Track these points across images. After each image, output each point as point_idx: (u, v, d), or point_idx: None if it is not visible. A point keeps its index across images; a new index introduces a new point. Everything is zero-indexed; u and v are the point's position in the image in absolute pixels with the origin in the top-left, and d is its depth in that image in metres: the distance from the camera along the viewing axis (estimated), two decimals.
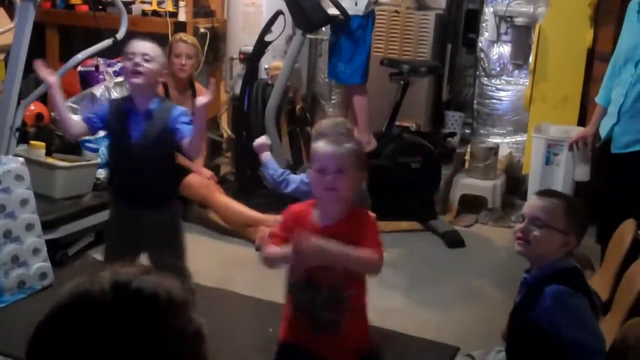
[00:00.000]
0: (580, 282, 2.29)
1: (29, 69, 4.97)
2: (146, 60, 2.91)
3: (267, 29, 4.87)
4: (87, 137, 4.59)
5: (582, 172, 4.22)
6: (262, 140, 3.08)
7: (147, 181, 3.00)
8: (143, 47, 2.95)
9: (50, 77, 2.95)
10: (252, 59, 4.98)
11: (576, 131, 5.12)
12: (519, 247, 2.33)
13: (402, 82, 4.88)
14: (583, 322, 2.21)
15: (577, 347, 2.18)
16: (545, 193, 2.40)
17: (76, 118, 3.45)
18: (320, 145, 2.32)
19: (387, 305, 3.85)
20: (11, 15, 4.76)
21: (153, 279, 1.00)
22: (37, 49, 5.12)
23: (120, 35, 4.12)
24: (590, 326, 2.22)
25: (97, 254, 4.25)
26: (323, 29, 5.42)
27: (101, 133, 4.63)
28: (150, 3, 5.73)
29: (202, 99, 2.87)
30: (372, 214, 2.37)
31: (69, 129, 3.06)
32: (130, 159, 2.98)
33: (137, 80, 2.91)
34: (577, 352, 2.18)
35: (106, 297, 0.96)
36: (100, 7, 5.61)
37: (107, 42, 4.09)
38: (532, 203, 2.37)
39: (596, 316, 2.30)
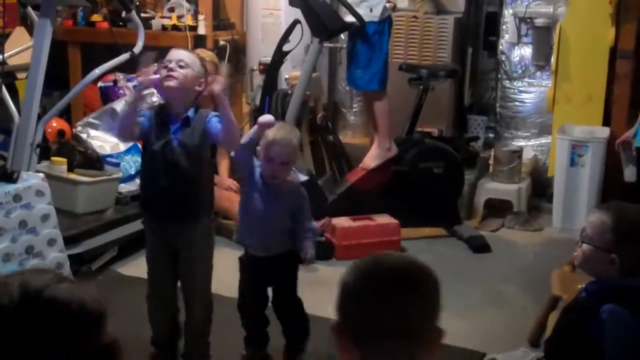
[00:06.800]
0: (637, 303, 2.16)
1: (53, 86, 5.04)
2: (181, 67, 2.88)
3: (284, 38, 4.86)
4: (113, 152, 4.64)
5: (629, 173, 4.14)
6: (268, 118, 3.02)
7: (184, 192, 2.94)
8: (178, 54, 2.94)
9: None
10: (270, 69, 4.97)
11: (601, 131, 5.06)
12: (576, 262, 2.31)
13: (421, 86, 4.85)
14: (629, 348, 2.10)
15: None
16: (602, 207, 2.30)
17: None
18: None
19: None
20: (32, 34, 4.79)
21: (65, 287, 0.98)
22: (60, 67, 5.18)
23: (137, 49, 4.14)
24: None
25: (121, 268, 4.26)
26: (342, 36, 5.40)
27: (122, 147, 4.70)
28: (170, 18, 5.75)
29: (216, 86, 2.82)
30: None
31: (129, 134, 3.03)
32: (170, 168, 2.92)
33: (170, 83, 2.86)
34: None
35: (13, 306, 0.94)
36: (121, 23, 5.64)
37: (124, 57, 4.11)
38: (587, 217, 2.30)
39: None
